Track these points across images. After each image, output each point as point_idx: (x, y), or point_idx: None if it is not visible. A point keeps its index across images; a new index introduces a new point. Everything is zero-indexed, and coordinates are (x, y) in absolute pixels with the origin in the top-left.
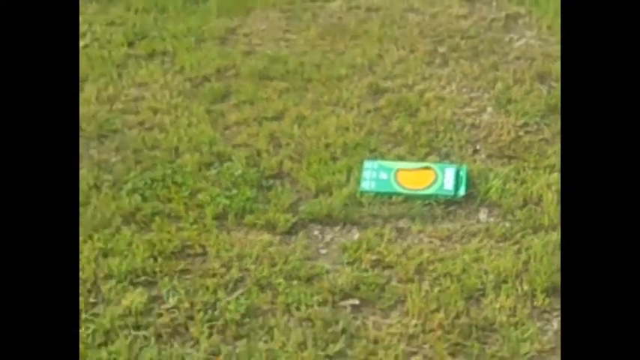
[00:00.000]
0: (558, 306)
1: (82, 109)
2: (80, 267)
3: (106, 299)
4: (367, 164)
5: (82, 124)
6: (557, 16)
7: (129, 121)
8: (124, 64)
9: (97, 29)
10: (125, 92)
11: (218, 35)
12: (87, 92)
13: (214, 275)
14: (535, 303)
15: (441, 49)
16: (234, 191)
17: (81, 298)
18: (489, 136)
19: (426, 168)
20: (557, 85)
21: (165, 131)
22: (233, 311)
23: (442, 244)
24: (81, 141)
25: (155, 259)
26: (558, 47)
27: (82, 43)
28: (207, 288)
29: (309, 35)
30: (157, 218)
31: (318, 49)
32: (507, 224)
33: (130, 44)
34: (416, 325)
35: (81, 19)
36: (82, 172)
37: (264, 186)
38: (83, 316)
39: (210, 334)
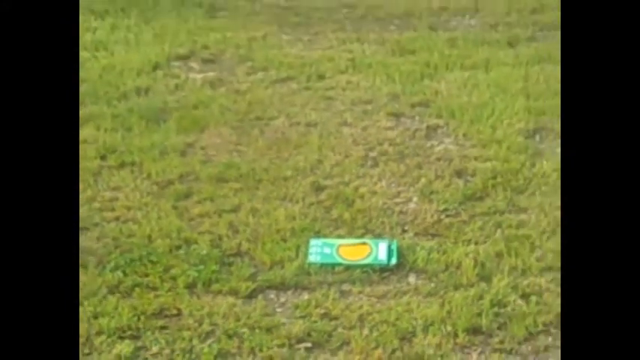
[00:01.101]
0: (477, 342)
1: None
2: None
3: (98, 349)
4: (313, 242)
5: None
6: (471, 125)
7: (106, 217)
8: (99, 173)
9: None
10: (101, 194)
11: (178, 148)
12: None
13: (189, 329)
14: (457, 340)
15: (372, 154)
16: (201, 266)
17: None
18: (415, 220)
19: (363, 243)
20: (474, 180)
21: (139, 223)
22: (207, 354)
23: (378, 301)
24: None
25: (138, 318)
26: (473, 150)
27: None
28: (184, 338)
29: (257, 146)
30: (137, 289)
31: (266, 157)
32: (432, 284)
33: (102, 157)
34: None
35: None
36: None
37: (226, 262)
38: None
39: None
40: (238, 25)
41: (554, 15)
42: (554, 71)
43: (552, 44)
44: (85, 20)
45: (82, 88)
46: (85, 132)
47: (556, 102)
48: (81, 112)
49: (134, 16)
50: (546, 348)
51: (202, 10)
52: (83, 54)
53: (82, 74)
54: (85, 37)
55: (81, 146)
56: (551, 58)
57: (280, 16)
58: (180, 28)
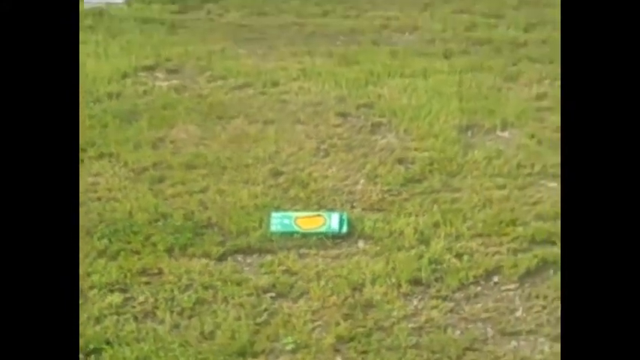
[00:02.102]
0: (418, 291)
1: None
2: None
3: (92, 300)
4: (274, 214)
5: None
6: (410, 122)
7: (90, 197)
8: (81, 162)
9: None
10: (84, 180)
11: (150, 142)
12: None
13: (170, 283)
14: (400, 290)
15: (323, 146)
16: (177, 235)
17: None
18: (362, 198)
19: (318, 215)
20: (413, 166)
21: (120, 201)
22: (187, 302)
23: (332, 261)
24: None
25: (125, 276)
26: (413, 142)
27: None
28: (166, 290)
29: (220, 140)
30: (122, 252)
31: (229, 149)
32: (378, 247)
33: (83, 150)
34: (317, 305)
35: None
36: None
37: (198, 232)
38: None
39: (172, 315)
40: (197, 40)
41: (485, 32)
42: (485, 78)
43: (483, 56)
44: None
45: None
46: None
47: (486, 103)
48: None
49: (101, 33)
50: (476, 295)
51: (164, 27)
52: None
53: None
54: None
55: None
56: (482, 67)
57: (236, 33)
58: (144, 43)
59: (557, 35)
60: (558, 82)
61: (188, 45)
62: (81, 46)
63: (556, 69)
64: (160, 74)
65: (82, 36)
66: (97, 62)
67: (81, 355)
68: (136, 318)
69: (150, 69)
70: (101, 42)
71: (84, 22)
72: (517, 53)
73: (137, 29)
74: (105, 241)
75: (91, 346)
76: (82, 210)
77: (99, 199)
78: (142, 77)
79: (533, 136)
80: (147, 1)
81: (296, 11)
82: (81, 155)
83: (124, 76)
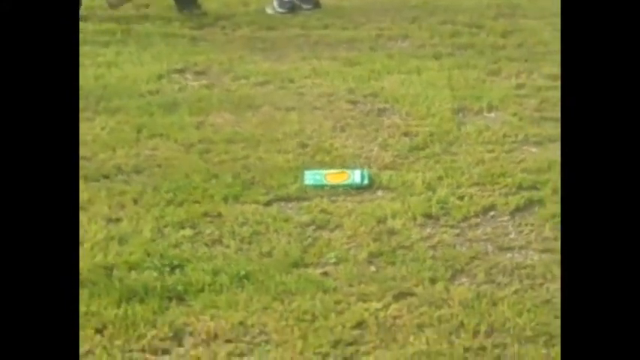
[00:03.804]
0: (430, 222)
1: None
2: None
3: (167, 235)
4: (307, 172)
5: None
6: (411, 107)
7: (151, 164)
8: (137, 140)
9: None
10: (143, 152)
11: (192, 125)
12: None
13: (229, 221)
14: (416, 221)
15: (339, 125)
16: (229, 188)
17: None
18: (377, 160)
19: (342, 172)
20: (417, 138)
21: (176, 167)
22: (245, 232)
23: (358, 204)
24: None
25: (192, 217)
26: (414, 121)
27: None
28: (227, 226)
29: (252, 123)
30: (186, 202)
31: (260, 128)
32: (394, 194)
33: (138, 131)
34: (350, 233)
35: None
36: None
37: (245, 187)
38: None
39: (235, 242)
40: (217, 49)
41: (468, 38)
42: (471, 73)
43: (467, 57)
44: (92, 49)
45: (106, 90)
46: (118, 117)
47: (473, 92)
48: (111, 105)
49: (132, 45)
50: (477, 224)
51: (186, 40)
52: (100, 70)
53: (102, 82)
54: (97, 59)
55: (119, 125)
56: (468, 65)
57: (250, 44)
58: (171, 52)
59: (531, 40)
60: (533, 75)
61: (210, 53)
62: (116, 56)
63: (531, 66)
64: (189, 75)
65: (116, 48)
66: (134, 67)
67: (167, 269)
68: (206, 244)
69: (180, 71)
70: (134, 52)
71: (114, 36)
72: (497, 54)
73: (163, 42)
74: (170, 194)
75: (175, 262)
76: (145, 173)
77: (159, 165)
78: (175, 78)
79: (515, 114)
80: (167, 19)
81: (300, 25)
82: (136, 135)
83: (160, 77)
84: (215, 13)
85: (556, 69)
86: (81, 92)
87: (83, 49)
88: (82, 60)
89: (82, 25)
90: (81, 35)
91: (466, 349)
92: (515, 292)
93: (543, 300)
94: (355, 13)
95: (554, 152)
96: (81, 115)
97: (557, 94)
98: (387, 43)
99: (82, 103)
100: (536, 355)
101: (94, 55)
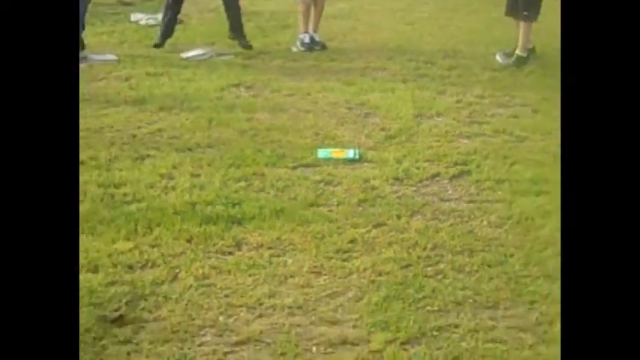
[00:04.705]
0: (398, 183)
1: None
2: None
3: (227, 184)
4: (319, 150)
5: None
6: (386, 113)
7: (219, 140)
8: (210, 123)
9: None
10: (214, 131)
11: (245, 119)
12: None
13: (270, 176)
14: (389, 182)
15: (340, 122)
16: (269, 157)
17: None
18: (364, 145)
19: (342, 150)
20: (390, 131)
21: (235, 144)
22: (281, 181)
23: (352, 170)
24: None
25: (243, 175)
26: (388, 121)
27: None
28: (267, 179)
29: (283, 119)
30: (237, 163)
31: (289, 122)
32: (374, 164)
33: (209, 120)
34: (346, 189)
35: None
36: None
37: (279, 157)
38: None
39: (275, 190)
40: (260, 73)
41: (425, 71)
42: (426, 92)
43: (424, 82)
44: (177, 70)
45: (187, 96)
46: (197, 113)
47: (427, 104)
48: (192, 105)
49: (204, 68)
50: (427, 185)
51: (239, 67)
52: (183, 83)
53: (185, 91)
54: (181, 76)
55: (197, 118)
56: (424, 87)
57: (281, 70)
58: (229, 74)
59: (466, 73)
60: (467, 95)
61: (255, 75)
62: (193, 75)
63: (465, 89)
64: (242, 89)
65: (193, 70)
66: (206, 82)
67: (230, 205)
68: (254, 191)
69: (236, 86)
70: (205, 73)
71: (188, 68)
72: (444, 81)
73: (225, 67)
74: (231, 161)
75: (235, 201)
76: (214, 148)
77: (223, 143)
78: (232, 90)
79: (454, 119)
80: (228, 53)
81: (314, 59)
82: (208, 124)
83: (222, 89)
84: (258, 49)
85: (482, 91)
86: (170, 97)
87: (171, 70)
88: (170, 76)
89: (169, 54)
90: (168, 61)
91: (418, 257)
92: (450, 225)
93: (467, 231)
94: (350, 53)
95: (478, 143)
96: (171, 111)
97: (483, 107)
98: (371, 72)
99: (171, 104)
100: (462, 263)
101: (178, 74)
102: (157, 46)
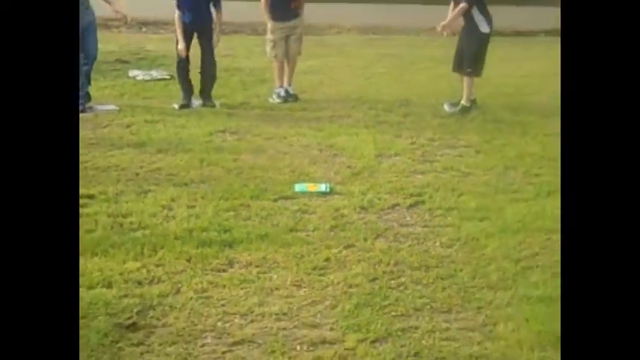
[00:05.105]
0: (364, 211)
1: None
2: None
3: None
4: (296, 185)
5: None
6: (352, 152)
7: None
8: (202, 162)
9: None
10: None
11: (232, 159)
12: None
13: (254, 208)
14: (356, 210)
15: (313, 161)
16: (253, 191)
17: None
18: (334, 180)
19: (315, 185)
20: (354, 169)
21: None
22: (263, 211)
23: (324, 202)
24: None
25: (231, 206)
26: (353, 160)
27: None
28: (253, 208)
29: (264, 159)
30: (225, 195)
31: (269, 162)
32: (343, 196)
33: (201, 160)
34: (320, 217)
35: None
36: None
37: (262, 190)
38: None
39: (262, 210)
40: (243, 120)
41: (384, 118)
42: (385, 136)
43: (383, 128)
44: (172, 118)
45: (181, 140)
46: (190, 154)
47: (387, 145)
48: (185, 147)
49: (194, 117)
50: (388, 213)
51: (224, 115)
52: (177, 129)
53: (179, 135)
54: (175, 123)
55: (190, 158)
56: (384, 132)
57: (261, 117)
58: (216, 121)
59: (418, 119)
60: (420, 138)
61: (238, 122)
62: (186, 122)
63: (418, 133)
64: (227, 134)
65: (184, 119)
66: (196, 129)
67: (222, 231)
68: (242, 220)
69: (222, 131)
70: (195, 120)
71: (180, 117)
72: (400, 127)
73: (211, 116)
74: (221, 194)
75: (226, 228)
76: (207, 183)
77: (214, 179)
78: (219, 135)
79: (409, 158)
80: (210, 105)
81: (288, 108)
82: (200, 164)
83: (210, 134)
84: (240, 100)
85: (432, 135)
86: (166, 141)
87: (166, 118)
88: (165, 123)
89: (163, 105)
90: (162, 110)
91: (383, 272)
92: (409, 245)
93: (423, 250)
94: (319, 103)
95: (430, 178)
96: (167, 152)
97: (433, 148)
98: (338, 119)
99: (168, 146)
100: (420, 276)
101: (172, 121)
102: (182, 107)
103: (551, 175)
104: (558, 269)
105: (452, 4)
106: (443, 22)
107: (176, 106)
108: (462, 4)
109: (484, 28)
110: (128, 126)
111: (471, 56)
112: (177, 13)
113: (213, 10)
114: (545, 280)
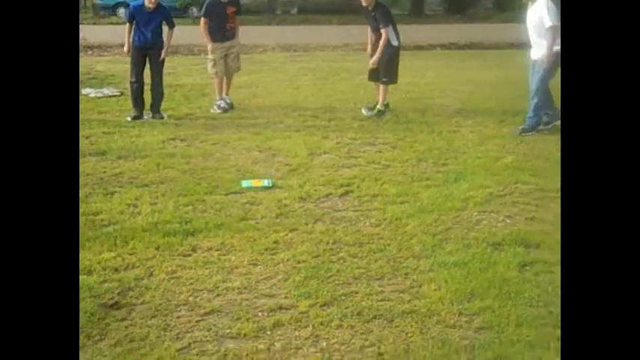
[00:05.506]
0: (304, 201)
1: None
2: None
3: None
4: (243, 181)
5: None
6: (288, 152)
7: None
8: (158, 166)
9: None
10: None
11: (184, 163)
12: None
13: (211, 202)
14: (295, 200)
15: (254, 161)
16: (207, 189)
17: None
18: (275, 176)
19: (259, 180)
20: (290, 166)
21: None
22: (216, 203)
23: (267, 194)
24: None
25: (190, 201)
26: (290, 159)
27: None
28: (209, 202)
29: (212, 161)
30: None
31: (216, 163)
32: (283, 190)
33: (157, 165)
34: (265, 207)
35: None
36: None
37: (214, 187)
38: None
39: (217, 203)
40: (189, 129)
41: (311, 122)
42: (314, 137)
43: (312, 131)
44: (127, 130)
45: (137, 147)
46: (146, 160)
47: (316, 145)
48: (142, 154)
49: (147, 127)
50: (323, 202)
51: (173, 125)
52: (133, 138)
53: (135, 143)
54: (130, 133)
55: (147, 163)
56: (313, 134)
57: (204, 126)
58: (167, 131)
59: (342, 121)
60: (344, 138)
61: (186, 131)
62: (140, 131)
63: (343, 134)
64: (178, 141)
65: (137, 129)
66: (149, 137)
67: (183, 223)
68: (199, 212)
69: (173, 139)
70: (149, 130)
71: (134, 127)
72: (326, 129)
73: (162, 126)
74: (179, 191)
75: (186, 220)
76: (165, 183)
77: (171, 180)
78: (171, 142)
79: (336, 155)
80: (159, 118)
81: (228, 117)
82: (156, 167)
83: (163, 142)
84: (185, 112)
85: (354, 135)
86: (124, 149)
87: (121, 129)
88: (121, 134)
89: (117, 118)
90: (117, 123)
91: (324, 250)
92: (343, 227)
93: (356, 230)
94: (255, 112)
95: (356, 171)
96: (125, 159)
97: (356, 146)
98: (272, 125)
99: (126, 154)
100: (355, 251)
101: (127, 132)
102: (135, 118)
103: (456, 164)
104: (469, 240)
105: (369, 29)
106: (373, 59)
107: (129, 119)
108: (383, 30)
109: (395, 42)
110: (87, 137)
111: (385, 67)
112: (130, 35)
113: (165, 29)
114: (458, 249)
